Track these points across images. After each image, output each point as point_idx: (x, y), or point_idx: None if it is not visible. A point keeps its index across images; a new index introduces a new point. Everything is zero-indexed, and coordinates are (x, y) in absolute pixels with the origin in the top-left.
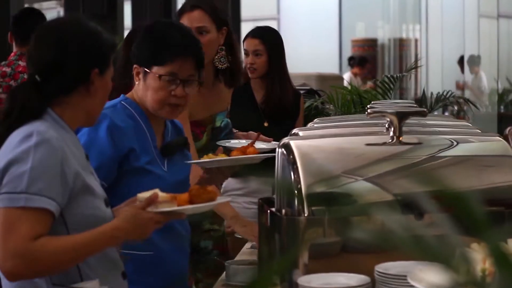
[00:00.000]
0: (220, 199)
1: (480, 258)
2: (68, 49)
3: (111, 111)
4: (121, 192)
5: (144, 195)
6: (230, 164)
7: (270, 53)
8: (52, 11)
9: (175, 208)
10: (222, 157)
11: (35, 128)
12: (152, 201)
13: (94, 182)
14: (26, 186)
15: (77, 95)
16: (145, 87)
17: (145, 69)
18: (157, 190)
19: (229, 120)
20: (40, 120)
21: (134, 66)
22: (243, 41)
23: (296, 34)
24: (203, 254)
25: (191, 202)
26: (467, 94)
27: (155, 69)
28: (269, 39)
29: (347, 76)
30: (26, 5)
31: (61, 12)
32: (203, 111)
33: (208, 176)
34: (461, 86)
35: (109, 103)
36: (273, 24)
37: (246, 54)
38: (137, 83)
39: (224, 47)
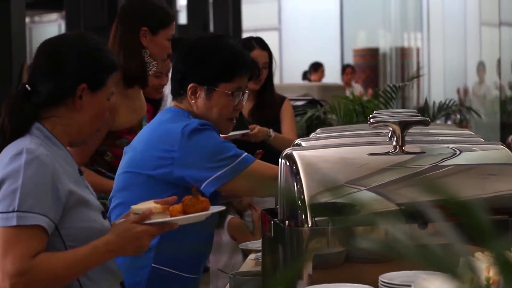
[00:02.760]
0: (213, 208)
1: (484, 267)
2: (60, 61)
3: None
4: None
5: (139, 206)
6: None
7: (270, 66)
8: (53, 23)
9: (169, 219)
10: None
11: (25, 145)
12: (147, 216)
13: (90, 196)
14: (18, 204)
15: (64, 109)
16: (209, 105)
17: (211, 86)
18: (151, 202)
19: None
20: (30, 135)
21: (191, 85)
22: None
23: (298, 44)
24: None
25: (184, 212)
26: (469, 102)
27: (223, 85)
28: (270, 52)
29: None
30: (27, 19)
31: (62, 24)
32: (132, 116)
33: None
34: (462, 93)
35: (192, 121)
36: (274, 35)
37: None
38: (193, 101)
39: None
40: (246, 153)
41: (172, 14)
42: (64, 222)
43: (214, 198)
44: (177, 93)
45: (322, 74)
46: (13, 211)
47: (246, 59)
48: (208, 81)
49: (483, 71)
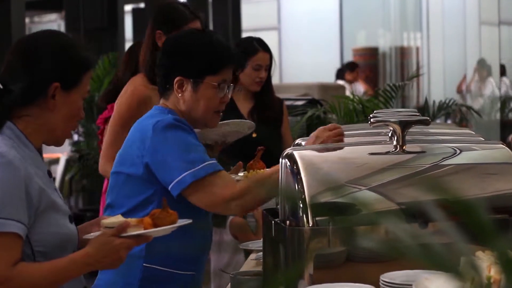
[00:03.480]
0: (181, 221)
1: (485, 266)
2: (31, 59)
3: (177, 118)
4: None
5: (109, 220)
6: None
7: (270, 67)
8: (53, 24)
9: (144, 231)
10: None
11: None
12: (124, 229)
13: (58, 199)
14: None
15: (36, 108)
16: (196, 98)
17: (196, 79)
18: (119, 216)
19: None
20: (1, 135)
21: (177, 78)
22: (252, 54)
23: (297, 44)
24: None
25: (155, 225)
26: (469, 101)
27: (209, 78)
28: (271, 52)
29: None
30: (27, 19)
31: (62, 25)
32: None
33: None
34: (461, 90)
35: (161, 114)
36: (274, 34)
37: (258, 69)
38: (179, 95)
39: None
40: (213, 161)
41: (188, 17)
42: (33, 227)
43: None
44: (164, 88)
45: (357, 75)
46: None
47: (232, 52)
48: (194, 74)
49: (482, 69)
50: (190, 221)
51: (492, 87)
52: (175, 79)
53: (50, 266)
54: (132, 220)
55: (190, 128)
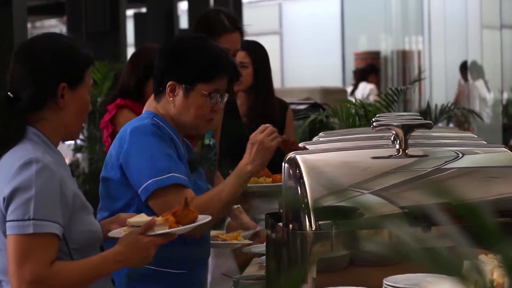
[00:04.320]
0: (202, 218)
1: (488, 270)
2: (35, 65)
3: (155, 123)
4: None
5: (135, 219)
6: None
7: (255, 66)
8: (54, 29)
9: (171, 230)
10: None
11: (31, 154)
12: (151, 227)
13: (83, 197)
14: (33, 212)
15: (49, 110)
16: (186, 104)
17: (188, 86)
18: (143, 215)
19: (215, 141)
20: (30, 142)
21: (170, 82)
22: (217, 33)
23: (299, 48)
24: None
25: (177, 223)
26: (467, 103)
27: (200, 86)
28: (255, 52)
29: (365, 88)
30: (29, 24)
31: (64, 30)
32: None
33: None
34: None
35: (142, 118)
36: (275, 39)
37: None
38: (171, 99)
39: None
40: (179, 175)
41: (226, 27)
42: (69, 227)
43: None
44: (157, 91)
45: (377, 79)
46: (28, 219)
47: (226, 62)
48: (187, 80)
49: (475, 71)
50: (210, 217)
51: (493, 91)
52: (168, 83)
53: (83, 264)
54: (158, 219)
55: (171, 136)
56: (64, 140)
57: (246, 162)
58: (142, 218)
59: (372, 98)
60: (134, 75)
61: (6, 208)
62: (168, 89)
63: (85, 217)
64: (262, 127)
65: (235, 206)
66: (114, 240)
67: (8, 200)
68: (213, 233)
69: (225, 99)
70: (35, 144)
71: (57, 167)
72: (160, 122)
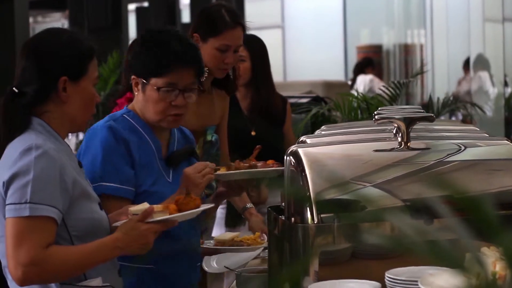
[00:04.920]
0: (204, 206)
1: (490, 262)
2: (36, 60)
3: (112, 125)
4: None
5: (136, 208)
6: (246, 177)
7: (253, 60)
8: (57, 23)
9: (169, 216)
10: (239, 169)
11: (33, 141)
12: (149, 214)
13: (89, 187)
14: (30, 196)
15: (52, 103)
16: (145, 99)
17: (144, 80)
18: (146, 204)
19: (218, 136)
20: (34, 131)
21: (132, 77)
22: (217, 31)
23: (301, 42)
24: None
25: (179, 210)
26: (469, 96)
27: (153, 80)
28: (253, 46)
29: (365, 79)
30: (31, 18)
31: (66, 24)
32: (197, 121)
33: (224, 190)
34: (460, 93)
35: (111, 116)
36: (277, 32)
37: (225, 49)
38: (136, 93)
39: None
40: (109, 184)
41: (228, 23)
42: (69, 213)
43: None
44: (130, 85)
45: (375, 71)
46: (25, 203)
47: (180, 56)
48: (142, 74)
49: (480, 64)
50: (212, 205)
51: (495, 84)
52: (131, 78)
53: (80, 249)
54: (157, 206)
55: (126, 138)
56: (71, 131)
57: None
58: (144, 206)
59: (376, 86)
60: None
61: (6, 192)
62: (133, 83)
63: (87, 204)
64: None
65: (248, 205)
66: None
67: (8, 184)
68: (227, 236)
69: (193, 94)
70: (39, 133)
71: (59, 154)
72: (131, 119)
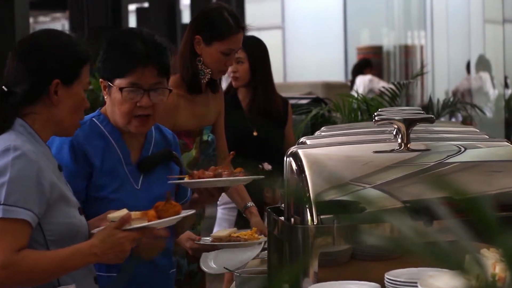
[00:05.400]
0: (184, 212)
1: (490, 264)
2: (29, 61)
3: (73, 140)
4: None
5: (115, 215)
6: (213, 186)
7: (252, 61)
8: (57, 23)
9: (148, 223)
10: (207, 177)
11: (11, 142)
12: (126, 221)
13: (69, 192)
14: (4, 198)
15: (42, 105)
16: (111, 102)
17: (109, 82)
18: (125, 210)
19: (214, 136)
20: (15, 132)
21: (100, 80)
22: (223, 35)
23: (301, 43)
24: (192, 277)
25: (159, 217)
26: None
27: (117, 81)
28: (251, 47)
29: (364, 79)
30: (31, 18)
31: (66, 24)
32: (193, 121)
33: (197, 196)
34: (459, 90)
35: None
36: (277, 33)
37: (228, 53)
38: (105, 97)
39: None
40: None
41: (232, 28)
42: (46, 217)
43: None
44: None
45: (373, 72)
46: None
47: (141, 55)
48: (107, 76)
49: (481, 65)
50: (193, 211)
51: (484, 81)
52: (100, 81)
53: (54, 254)
54: (135, 213)
55: (84, 148)
56: (58, 135)
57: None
58: (123, 212)
59: (376, 86)
60: None
61: None
62: (102, 86)
63: (65, 209)
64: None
65: (249, 204)
66: None
67: None
68: (224, 232)
69: (160, 94)
70: (19, 134)
71: (38, 157)
72: (100, 123)
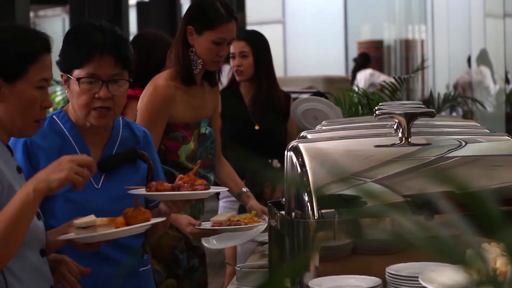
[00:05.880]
0: (154, 220)
1: (491, 258)
2: None
3: (27, 141)
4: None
5: (81, 220)
6: (171, 199)
7: (256, 55)
8: (57, 18)
9: (115, 230)
10: (164, 189)
11: None
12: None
13: None
14: None
15: None
16: (71, 95)
17: (68, 75)
18: (92, 216)
19: (211, 129)
20: None
21: (61, 74)
22: (213, 24)
23: (302, 37)
24: (193, 272)
25: (127, 224)
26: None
27: (75, 72)
28: (255, 41)
29: (365, 73)
30: (32, 13)
31: (66, 19)
32: (191, 114)
33: (163, 207)
34: (459, 84)
35: None
36: (278, 28)
37: (233, 57)
38: (66, 92)
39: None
40: None
41: (223, 17)
42: None
43: None
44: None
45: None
46: None
47: (99, 45)
48: (65, 69)
49: (481, 59)
50: (163, 219)
51: (485, 75)
52: (60, 74)
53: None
54: (103, 220)
55: (35, 152)
56: (13, 135)
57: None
58: (91, 218)
59: (377, 79)
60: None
61: None
62: (63, 80)
63: None
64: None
65: (244, 190)
66: (71, 246)
67: None
68: (224, 216)
69: (120, 86)
70: None
71: None
72: (59, 120)
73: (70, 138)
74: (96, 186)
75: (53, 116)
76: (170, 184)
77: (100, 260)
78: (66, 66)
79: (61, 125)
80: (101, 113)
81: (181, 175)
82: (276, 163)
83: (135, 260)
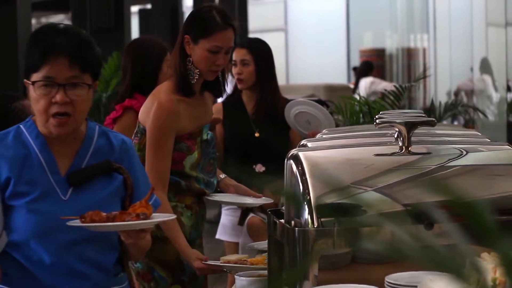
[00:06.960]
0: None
1: (490, 268)
2: None
3: None
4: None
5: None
6: (103, 230)
7: (257, 63)
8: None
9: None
10: (99, 220)
11: None
12: None
13: None
14: None
15: None
16: (31, 101)
17: (27, 80)
18: None
19: (212, 134)
20: None
21: (24, 80)
22: (208, 32)
23: (304, 45)
24: (195, 278)
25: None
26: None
27: (33, 77)
28: (257, 49)
29: (365, 81)
30: (33, 20)
31: None
32: (194, 124)
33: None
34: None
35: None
36: (280, 35)
37: (234, 64)
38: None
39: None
40: None
41: (218, 25)
42: None
43: None
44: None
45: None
46: None
47: (55, 47)
48: (25, 75)
49: (483, 68)
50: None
51: (486, 83)
52: (24, 81)
53: None
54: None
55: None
56: None
57: None
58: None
59: (378, 87)
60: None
61: None
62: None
63: None
64: None
65: (222, 176)
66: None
67: None
68: (234, 257)
69: (79, 90)
70: None
71: None
72: (25, 130)
73: (34, 147)
74: (63, 197)
75: (20, 125)
76: (104, 215)
77: (68, 274)
78: (25, 71)
79: (26, 134)
80: (60, 121)
81: (133, 204)
82: (259, 167)
83: (104, 276)
